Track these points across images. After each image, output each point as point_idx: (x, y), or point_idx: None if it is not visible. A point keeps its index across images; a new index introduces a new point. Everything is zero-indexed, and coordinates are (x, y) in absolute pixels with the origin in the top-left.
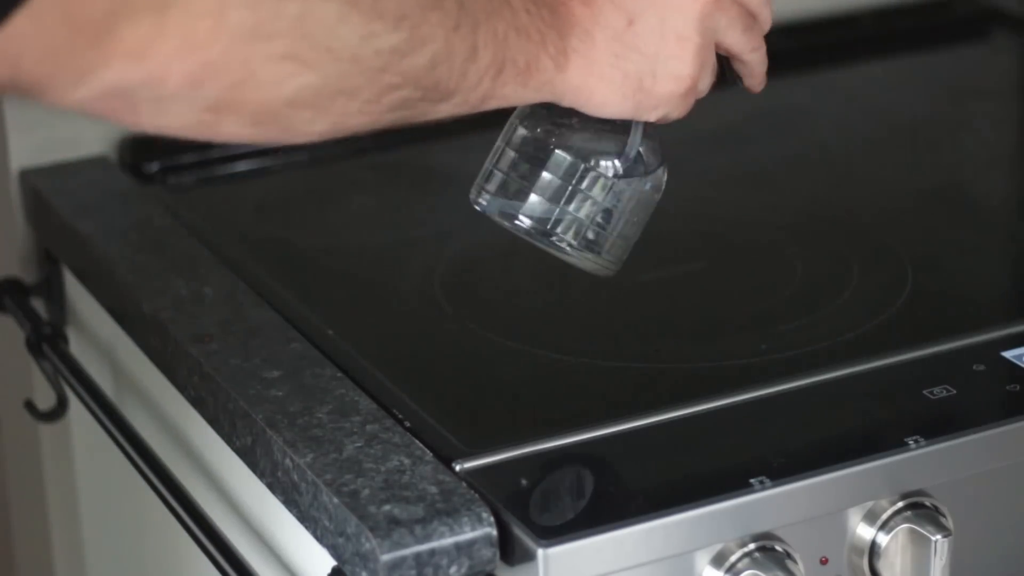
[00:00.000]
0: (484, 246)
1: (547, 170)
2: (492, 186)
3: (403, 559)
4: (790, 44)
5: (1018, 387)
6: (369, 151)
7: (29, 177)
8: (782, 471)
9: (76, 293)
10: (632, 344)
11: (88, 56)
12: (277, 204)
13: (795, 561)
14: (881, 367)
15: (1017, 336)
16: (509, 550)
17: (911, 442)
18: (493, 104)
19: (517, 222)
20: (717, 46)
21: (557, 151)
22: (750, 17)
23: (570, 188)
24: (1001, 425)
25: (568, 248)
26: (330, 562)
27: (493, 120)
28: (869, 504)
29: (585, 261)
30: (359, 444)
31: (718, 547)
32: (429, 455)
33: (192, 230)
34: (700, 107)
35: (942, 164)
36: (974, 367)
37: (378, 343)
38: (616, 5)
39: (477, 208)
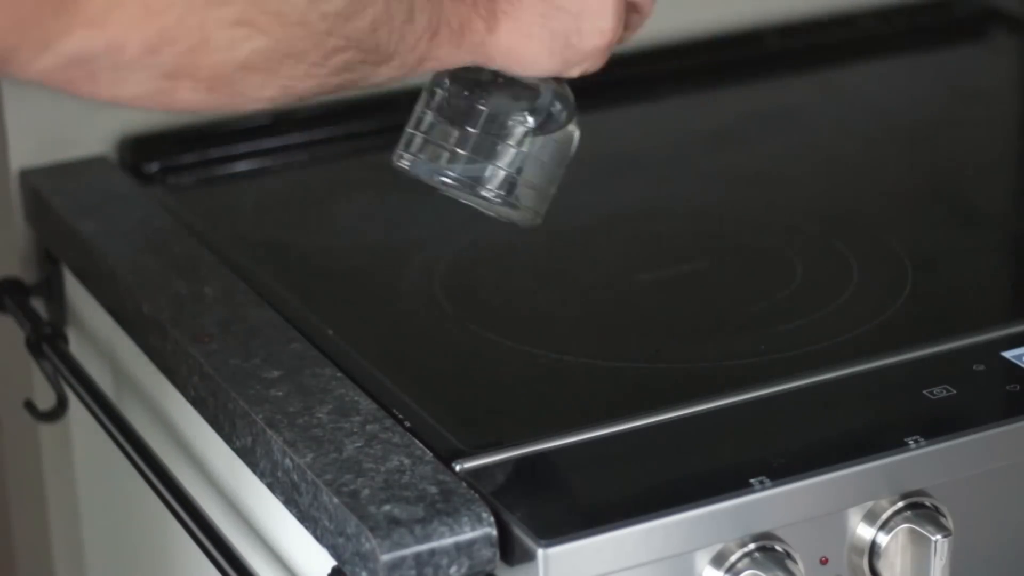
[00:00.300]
0: (484, 246)
1: (470, 126)
2: (415, 147)
3: (403, 559)
4: (790, 44)
5: (1018, 387)
6: (369, 151)
7: (29, 177)
8: (782, 471)
9: (76, 293)
10: (632, 344)
11: (51, 26)
12: (277, 204)
13: (795, 561)
14: (881, 367)
15: (1017, 336)
16: (509, 550)
17: (911, 442)
18: (429, 66)
19: (443, 179)
20: None
21: (478, 107)
22: None
23: (493, 142)
24: (1001, 425)
25: (493, 198)
26: (330, 562)
27: None
28: (869, 504)
29: (509, 212)
30: (359, 444)
31: (718, 547)
32: (429, 455)
33: (192, 230)
34: (700, 107)
35: (942, 164)
36: (974, 367)
37: (378, 343)
38: None
39: (400, 168)
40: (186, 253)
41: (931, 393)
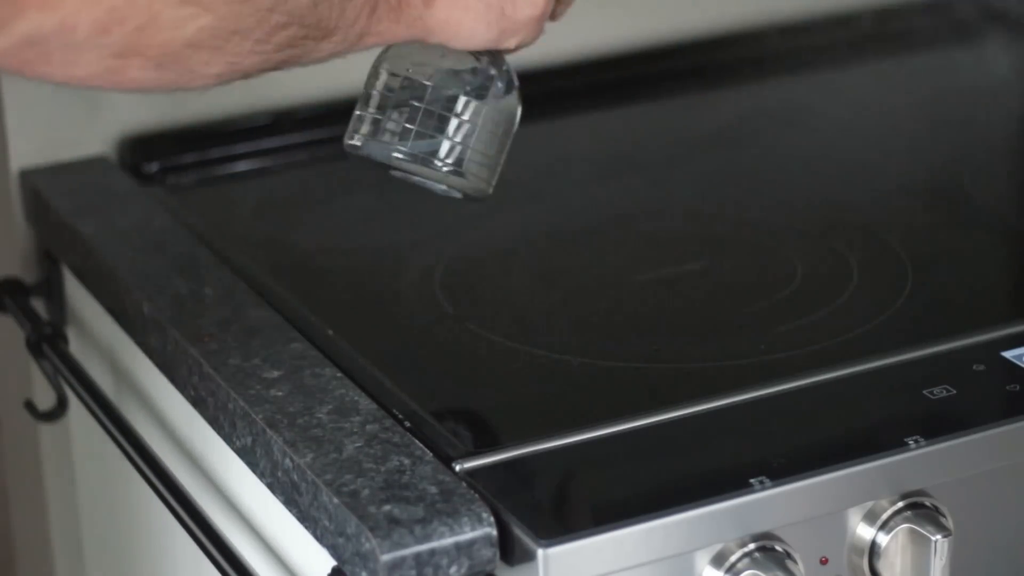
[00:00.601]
0: (484, 246)
1: (415, 102)
2: (364, 127)
3: (403, 559)
4: (790, 44)
5: (1018, 387)
6: None
7: (29, 177)
8: (782, 471)
9: (76, 293)
10: (632, 344)
11: (4, 8)
12: (277, 204)
13: (795, 561)
14: (881, 367)
15: (1017, 336)
16: (509, 550)
17: (911, 442)
18: (370, 41)
19: (394, 154)
20: None
21: (423, 82)
22: None
23: (440, 116)
24: (1001, 425)
25: (444, 169)
26: (330, 562)
27: None
28: (869, 504)
29: (461, 183)
30: (359, 444)
31: (718, 547)
32: (429, 455)
33: (192, 230)
34: (700, 107)
35: (942, 164)
36: (974, 367)
37: (378, 343)
38: None
39: (351, 149)
40: (186, 253)
41: (931, 393)
